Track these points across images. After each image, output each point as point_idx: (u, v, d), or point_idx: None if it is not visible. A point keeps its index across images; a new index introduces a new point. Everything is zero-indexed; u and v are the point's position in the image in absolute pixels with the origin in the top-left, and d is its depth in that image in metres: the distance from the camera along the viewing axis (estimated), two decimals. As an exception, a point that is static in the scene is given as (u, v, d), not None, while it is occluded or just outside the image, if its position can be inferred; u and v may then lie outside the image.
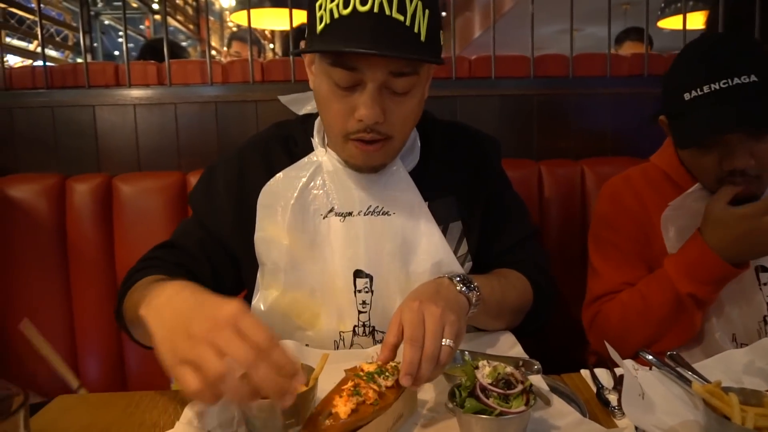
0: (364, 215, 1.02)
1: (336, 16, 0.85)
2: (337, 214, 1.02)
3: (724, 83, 1.06)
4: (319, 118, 1.07)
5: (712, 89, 1.07)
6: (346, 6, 0.84)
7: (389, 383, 0.75)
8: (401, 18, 0.84)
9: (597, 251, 1.34)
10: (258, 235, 1.04)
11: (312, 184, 1.03)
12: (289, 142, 1.10)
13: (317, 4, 0.87)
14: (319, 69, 0.94)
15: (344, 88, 0.90)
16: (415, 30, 0.86)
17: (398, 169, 1.05)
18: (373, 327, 1.04)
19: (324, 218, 1.03)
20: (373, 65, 0.87)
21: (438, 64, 0.92)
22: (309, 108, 1.15)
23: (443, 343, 0.78)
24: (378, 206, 1.03)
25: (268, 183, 1.04)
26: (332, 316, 1.03)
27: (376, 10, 0.83)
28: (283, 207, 1.02)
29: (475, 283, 0.93)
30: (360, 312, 1.03)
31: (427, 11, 0.87)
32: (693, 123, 1.12)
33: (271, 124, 1.17)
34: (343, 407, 0.72)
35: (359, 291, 1.02)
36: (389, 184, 1.04)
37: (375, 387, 0.73)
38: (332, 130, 0.97)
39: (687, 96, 1.11)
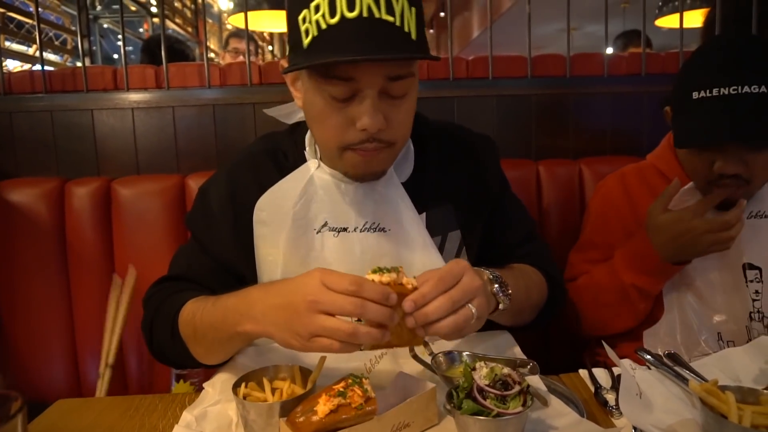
0: (360, 231, 1.00)
1: (324, 26, 0.80)
2: (330, 229, 1.00)
3: (733, 89, 1.05)
4: (309, 131, 1.03)
5: (721, 93, 1.06)
6: (333, 15, 0.80)
7: (393, 279, 0.75)
8: (391, 19, 0.80)
9: (578, 246, 1.40)
10: (257, 254, 1.02)
11: (304, 197, 1.00)
12: (278, 156, 1.06)
13: (300, 18, 0.84)
14: (309, 85, 0.89)
15: (341, 101, 0.86)
16: (406, 29, 0.82)
17: (392, 180, 1.01)
18: None
19: (317, 233, 1.00)
20: (370, 72, 0.83)
21: (436, 60, 0.88)
22: (299, 116, 1.09)
23: (468, 305, 0.76)
24: (375, 222, 1.00)
25: (261, 198, 1.01)
26: None
27: (365, 14, 0.79)
28: (276, 222, 0.99)
29: (510, 291, 0.91)
30: None
31: (413, 9, 0.83)
32: (693, 125, 1.12)
33: (258, 137, 1.14)
34: (322, 406, 0.72)
35: None
36: (383, 197, 1.01)
37: (360, 392, 0.73)
38: (328, 144, 0.93)
39: (695, 95, 1.10)
